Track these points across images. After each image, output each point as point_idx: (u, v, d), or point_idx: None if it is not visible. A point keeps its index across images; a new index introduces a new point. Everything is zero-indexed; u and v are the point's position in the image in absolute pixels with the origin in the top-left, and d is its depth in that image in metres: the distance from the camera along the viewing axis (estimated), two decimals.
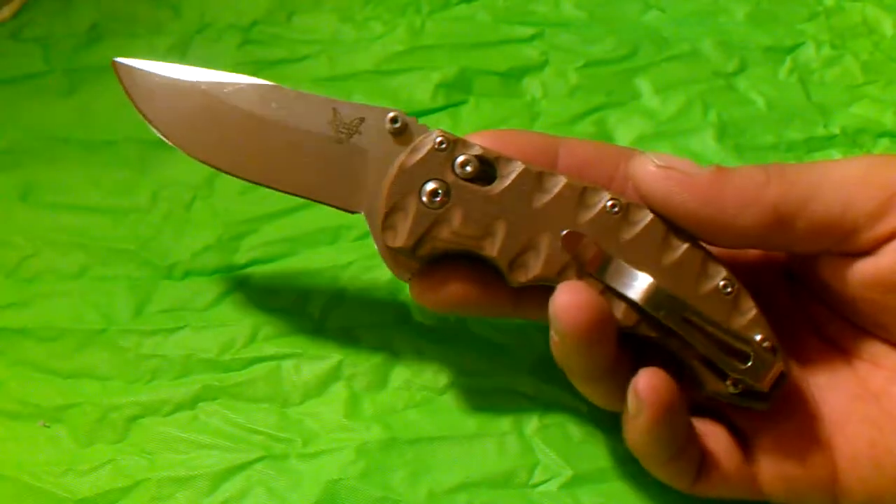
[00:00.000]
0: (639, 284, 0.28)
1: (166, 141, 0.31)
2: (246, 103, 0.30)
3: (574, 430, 0.34)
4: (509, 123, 0.42)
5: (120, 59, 0.32)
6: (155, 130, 0.31)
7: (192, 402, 0.34)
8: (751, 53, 0.45)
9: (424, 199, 0.28)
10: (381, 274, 0.37)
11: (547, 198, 0.28)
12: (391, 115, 0.29)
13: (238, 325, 0.36)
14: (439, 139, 0.29)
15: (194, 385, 0.34)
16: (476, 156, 0.29)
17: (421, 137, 0.29)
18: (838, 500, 0.28)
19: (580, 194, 0.28)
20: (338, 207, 0.30)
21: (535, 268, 0.28)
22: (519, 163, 0.29)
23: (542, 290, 0.29)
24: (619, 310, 0.28)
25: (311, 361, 0.35)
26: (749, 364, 0.27)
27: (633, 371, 0.29)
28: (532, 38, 0.45)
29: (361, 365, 0.35)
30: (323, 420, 0.34)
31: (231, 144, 0.30)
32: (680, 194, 0.27)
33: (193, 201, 0.39)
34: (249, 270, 0.38)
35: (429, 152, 0.29)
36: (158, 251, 0.38)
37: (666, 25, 0.46)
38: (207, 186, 0.40)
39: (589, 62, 0.45)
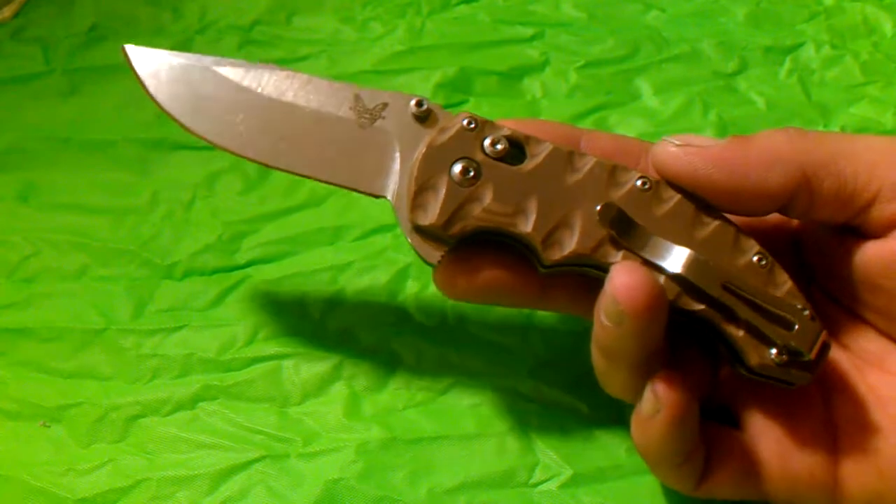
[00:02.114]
0: (678, 256, 0.27)
1: (187, 129, 0.30)
2: (265, 89, 0.30)
3: (574, 430, 0.34)
4: None
5: (131, 46, 0.31)
6: (172, 118, 0.30)
7: (193, 402, 0.34)
8: (751, 53, 0.45)
9: (455, 177, 0.28)
10: (381, 274, 0.37)
11: (578, 176, 0.28)
12: (416, 99, 0.29)
13: (238, 324, 0.36)
14: (467, 120, 0.28)
15: (194, 385, 0.34)
16: (505, 136, 0.28)
17: (449, 118, 0.29)
18: (839, 502, 0.28)
19: (610, 172, 0.28)
20: (363, 192, 0.29)
21: (569, 244, 0.28)
22: (548, 143, 0.28)
23: (570, 279, 0.29)
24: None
25: (311, 361, 0.35)
26: (795, 329, 0.27)
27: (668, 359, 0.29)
28: (532, 38, 0.45)
29: (361, 365, 0.35)
30: (323, 420, 0.34)
31: (251, 130, 0.30)
32: (704, 168, 0.27)
33: (193, 201, 0.39)
34: (249, 270, 0.38)
35: (458, 132, 0.28)
36: (158, 251, 0.38)
37: (666, 25, 0.46)
38: (207, 186, 0.40)
39: (589, 62, 0.45)
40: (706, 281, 0.27)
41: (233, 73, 0.30)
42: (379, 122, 0.29)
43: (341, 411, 0.34)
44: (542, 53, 0.45)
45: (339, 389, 0.35)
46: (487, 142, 0.28)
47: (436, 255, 0.28)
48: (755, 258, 0.28)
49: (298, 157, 0.29)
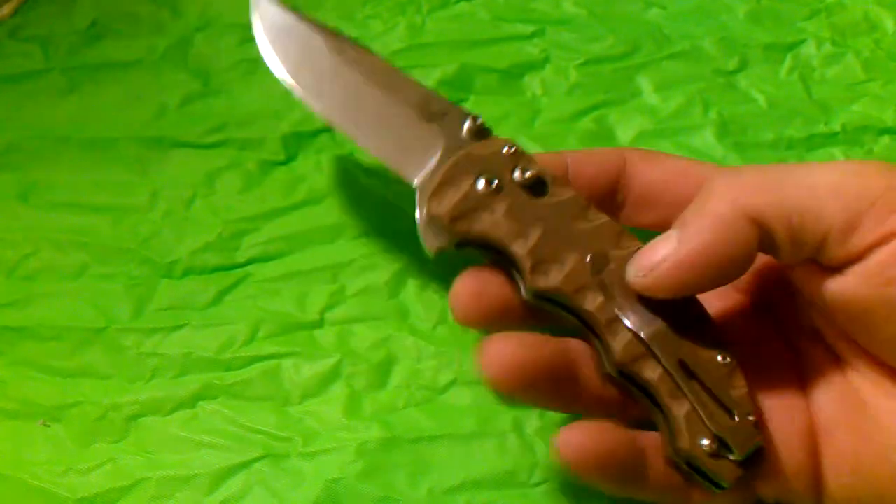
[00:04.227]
0: (649, 321, 0.28)
1: (285, 82, 0.34)
2: (357, 64, 0.33)
3: None
4: (510, 120, 0.42)
5: None
6: (270, 65, 0.35)
7: (192, 401, 0.34)
8: (751, 51, 0.45)
9: (478, 184, 0.30)
10: (381, 273, 0.37)
11: (586, 226, 0.29)
12: (473, 116, 0.31)
13: (238, 323, 0.36)
14: (508, 146, 0.30)
15: (194, 384, 0.34)
16: (536, 170, 0.30)
17: (493, 139, 0.31)
18: (822, 500, 0.29)
19: (617, 235, 0.29)
20: (399, 173, 0.32)
21: (555, 279, 0.29)
22: (571, 189, 0.30)
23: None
24: (622, 341, 0.28)
25: (311, 361, 0.35)
26: (734, 422, 0.27)
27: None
28: (532, 35, 0.45)
29: (361, 364, 0.35)
30: (323, 419, 0.34)
31: (336, 96, 0.33)
32: (682, 278, 0.27)
33: (193, 200, 0.39)
34: (249, 269, 0.38)
35: (496, 151, 0.30)
36: (158, 250, 0.38)
37: (666, 23, 0.46)
38: (207, 185, 0.40)
39: (589, 60, 0.44)
40: (665, 352, 0.28)
41: (338, 44, 0.34)
42: (435, 123, 0.32)
43: (341, 411, 0.34)
44: (543, 51, 0.45)
45: (339, 389, 0.35)
46: (518, 168, 0.30)
47: (434, 245, 0.30)
48: (719, 357, 0.28)
49: (363, 129, 0.33)
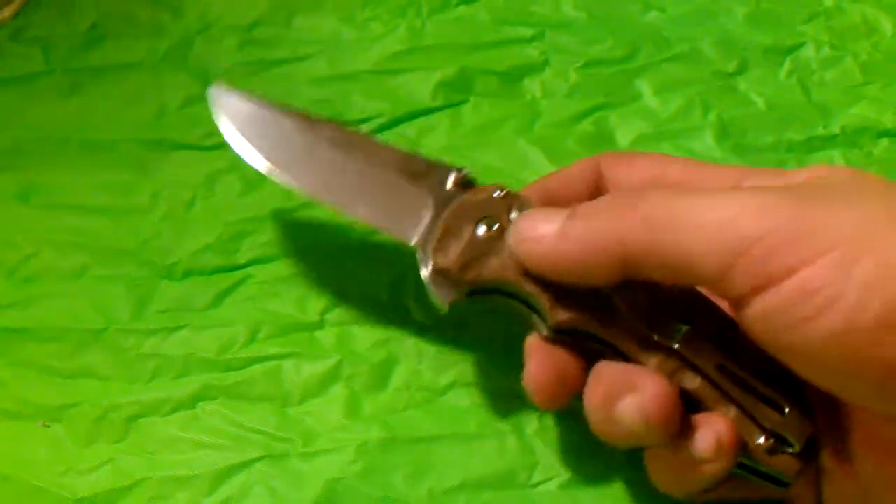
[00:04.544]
0: (677, 331, 0.28)
1: (245, 158, 0.34)
2: (330, 139, 0.33)
3: (574, 430, 0.34)
4: (509, 123, 0.42)
5: (216, 88, 0.35)
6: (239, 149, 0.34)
7: (192, 402, 0.34)
8: (751, 54, 0.45)
9: (479, 231, 0.30)
10: (382, 274, 0.37)
11: None
12: (457, 169, 0.32)
13: (238, 324, 0.36)
14: (498, 190, 0.30)
15: (194, 385, 0.34)
16: (529, 208, 0.30)
17: (481, 186, 0.31)
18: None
19: None
20: (394, 236, 0.32)
21: (573, 311, 0.29)
22: None
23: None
24: (655, 360, 0.28)
25: (311, 361, 0.35)
26: (786, 414, 0.27)
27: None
28: (532, 38, 0.45)
29: (361, 365, 0.35)
30: (323, 420, 0.34)
31: (315, 175, 0.33)
32: (544, 267, 0.28)
33: (193, 201, 0.39)
34: (250, 270, 0.38)
35: (488, 196, 0.30)
36: (158, 251, 0.38)
37: (666, 25, 0.46)
38: (207, 186, 0.40)
39: (589, 62, 0.45)
40: (701, 361, 0.28)
41: (304, 127, 0.34)
42: (420, 182, 0.32)
43: (341, 411, 0.34)
44: (542, 53, 0.45)
45: (339, 389, 0.35)
46: (514, 210, 0.30)
47: (446, 300, 0.30)
48: (752, 352, 0.27)
49: (350, 200, 0.33)
